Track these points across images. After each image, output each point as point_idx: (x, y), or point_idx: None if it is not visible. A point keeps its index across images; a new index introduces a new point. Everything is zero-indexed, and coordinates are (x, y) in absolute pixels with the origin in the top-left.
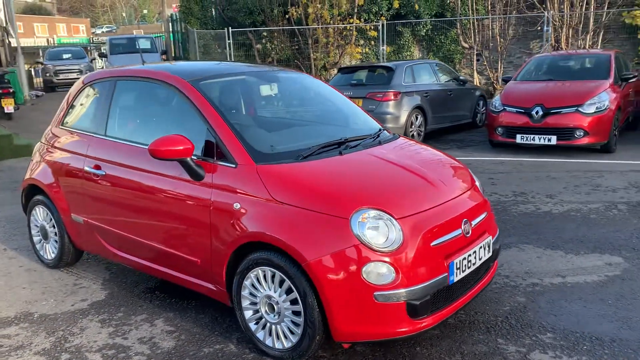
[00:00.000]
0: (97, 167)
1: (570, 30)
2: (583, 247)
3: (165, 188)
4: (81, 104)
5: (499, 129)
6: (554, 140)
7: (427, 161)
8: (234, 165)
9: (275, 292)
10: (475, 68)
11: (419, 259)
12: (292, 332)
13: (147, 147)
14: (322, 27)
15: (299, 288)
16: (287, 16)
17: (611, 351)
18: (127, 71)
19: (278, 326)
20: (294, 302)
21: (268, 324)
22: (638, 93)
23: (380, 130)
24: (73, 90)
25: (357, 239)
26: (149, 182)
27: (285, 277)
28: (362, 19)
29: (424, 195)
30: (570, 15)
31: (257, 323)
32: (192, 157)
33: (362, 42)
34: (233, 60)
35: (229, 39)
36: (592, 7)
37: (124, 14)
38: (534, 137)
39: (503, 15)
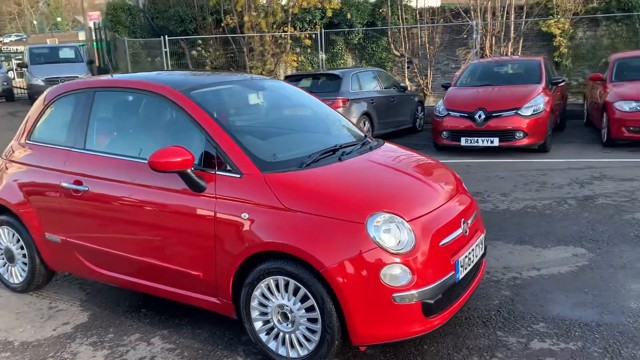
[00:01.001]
0: (78, 183)
1: (493, 38)
2: (548, 240)
3: (161, 201)
4: (51, 117)
5: (444, 132)
6: (496, 141)
7: (419, 164)
8: (238, 175)
9: (289, 300)
10: (406, 75)
11: (431, 259)
12: (307, 340)
13: (138, 160)
14: (257, 36)
15: (316, 294)
16: (222, 24)
17: (601, 335)
18: (108, 82)
19: (292, 335)
20: (309, 309)
21: (281, 334)
22: (564, 96)
23: (365, 136)
24: (40, 102)
25: (373, 242)
26: (142, 196)
27: (300, 285)
28: (296, 28)
29: (427, 197)
30: (492, 24)
31: (267, 333)
32: (192, 168)
33: (298, 50)
34: (170, 69)
35: (165, 47)
36: (512, 16)
37: (34, 22)
38: (477, 140)
39: (430, 24)
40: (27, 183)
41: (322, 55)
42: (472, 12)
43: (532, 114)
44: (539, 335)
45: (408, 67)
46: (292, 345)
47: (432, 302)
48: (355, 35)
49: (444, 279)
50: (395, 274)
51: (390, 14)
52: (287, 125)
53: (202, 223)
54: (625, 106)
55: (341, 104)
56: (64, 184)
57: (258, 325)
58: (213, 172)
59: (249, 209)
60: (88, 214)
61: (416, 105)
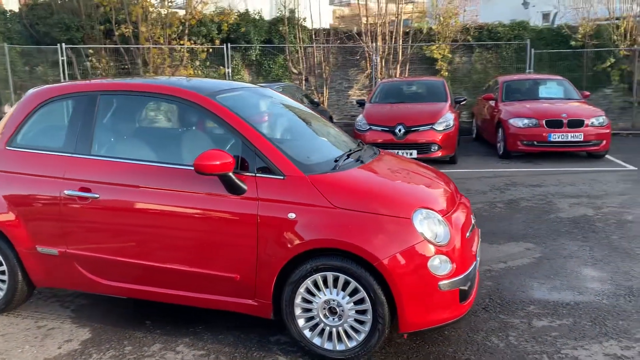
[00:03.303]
0: (85, 190)
1: (383, 60)
2: (499, 238)
3: (193, 206)
4: (41, 122)
5: None
6: (415, 154)
7: (423, 168)
8: (282, 177)
9: (337, 295)
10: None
11: (462, 250)
12: (356, 331)
13: (164, 165)
14: (154, 47)
15: (367, 287)
16: (117, 34)
17: (583, 312)
18: (114, 85)
19: (339, 328)
20: (358, 302)
21: (327, 328)
22: (458, 114)
23: (361, 142)
24: (26, 105)
25: (420, 236)
26: (170, 201)
27: (350, 279)
28: (192, 41)
29: (447, 196)
30: (382, 47)
31: (311, 330)
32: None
33: (197, 63)
34: (67, 78)
35: (62, 56)
36: (400, 41)
37: None
38: (398, 152)
39: (325, 45)
40: (12, 193)
41: (228, 70)
42: (364, 36)
43: (444, 129)
44: (535, 316)
45: (305, 85)
46: (340, 339)
47: (466, 288)
48: (253, 52)
49: (471, 267)
50: (440, 264)
51: (287, 32)
52: (295, 131)
53: (242, 225)
54: (520, 122)
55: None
56: (67, 192)
57: (301, 322)
58: (252, 174)
59: (295, 210)
60: (99, 223)
61: (328, 119)
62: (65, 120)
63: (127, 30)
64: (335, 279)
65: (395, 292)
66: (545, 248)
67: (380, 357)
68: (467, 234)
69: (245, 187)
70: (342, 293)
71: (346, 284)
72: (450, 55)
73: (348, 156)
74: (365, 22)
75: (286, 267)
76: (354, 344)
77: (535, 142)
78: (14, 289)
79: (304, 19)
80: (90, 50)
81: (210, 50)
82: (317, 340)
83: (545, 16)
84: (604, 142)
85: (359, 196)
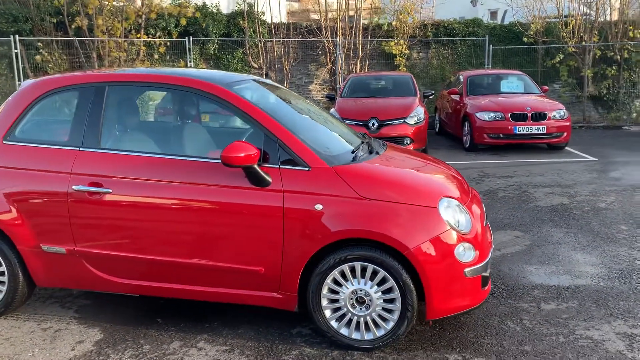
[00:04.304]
0: (97, 185)
1: (343, 55)
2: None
3: (216, 199)
4: (42, 114)
5: None
6: None
7: (432, 160)
8: (307, 169)
9: (365, 284)
10: None
11: (483, 238)
12: (384, 320)
13: (184, 158)
14: (111, 40)
15: (396, 276)
16: (72, 26)
17: (585, 294)
18: (123, 76)
19: (367, 317)
20: (386, 291)
21: (355, 318)
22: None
23: (365, 134)
24: (24, 97)
25: (447, 224)
26: (191, 195)
27: (379, 268)
28: (149, 35)
29: (462, 186)
30: (342, 42)
31: (337, 320)
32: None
33: (156, 57)
34: (20, 72)
35: (15, 49)
36: (360, 37)
37: None
38: None
39: (285, 39)
40: (13, 189)
41: (191, 64)
42: (323, 30)
43: (416, 123)
44: (542, 300)
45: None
46: (368, 328)
47: (487, 274)
48: (212, 46)
49: (490, 254)
50: (464, 251)
51: (247, 26)
52: (307, 122)
53: (268, 217)
54: (486, 116)
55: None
56: (76, 187)
57: (328, 313)
58: (276, 166)
59: (322, 201)
60: (111, 219)
61: None
62: (69, 112)
63: (82, 22)
64: (364, 269)
65: (424, 280)
66: (533, 236)
67: (405, 344)
68: (485, 222)
69: (270, 179)
70: (370, 283)
71: (374, 273)
72: (407, 51)
73: (359, 147)
74: (324, 17)
75: (312, 259)
76: (382, 332)
77: (501, 135)
78: (14, 290)
79: (263, 13)
80: (40, 44)
81: (169, 43)
82: (344, 331)
83: (493, 14)
84: (565, 134)
85: (384, 186)
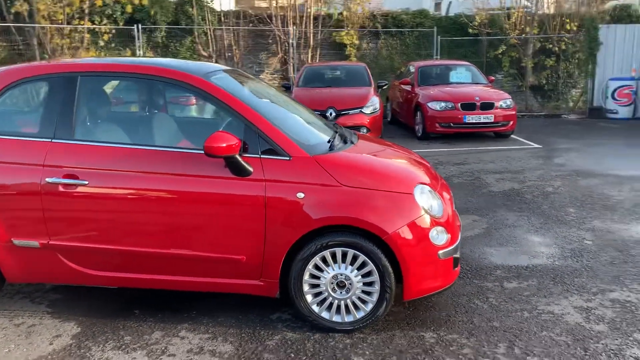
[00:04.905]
0: (72, 177)
1: (294, 44)
2: None
3: (195, 189)
4: (9, 105)
5: None
6: None
7: (401, 149)
8: (288, 158)
9: (345, 269)
10: None
11: (453, 221)
12: (364, 302)
13: (162, 148)
14: (54, 27)
15: (375, 260)
16: (12, 11)
17: (543, 272)
18: (97, 66)
19: (347, 300)
20: (365, 275)
21: (335, 302)
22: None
23: (336, 124)
24: None
25: (422, 209)
26: (170, 185)
27: (359, 253)
28: (93, 22)
29: (431, 172)
30: (293, 32)
31: (319, 305)
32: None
33: (101, 44)
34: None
35: None
36: (311, 26)
37: None
38: None
39: (235, 27)
40: None
41: (140, 52)
42: (274, 19)
43: (372, 112)
44: (504, 279)
45: None
46: (348, 311)
47: (458, 256)
48: (159, 34)
49: (459, 237)
50: (437, 234)
51: (196, 14)
52: (282, 113)
53: (250, 207)
54: (437, 106)
55: (194, 101)
56: (49, 180)
57: (309, 298)
58: (257, 156)
59: (304, 189)
60: (88, 211)
61: None
62: (39, 103)
63: (22, 7)
64: (344, 254)
65: (402, 263)
66: (490, 219)
67: (383, 324)
68: (453, 207)
69: (251, 169)
70: (350, 267)
71: (354, 258)
72: (357, 42)
73: (333, 137)
74: (275, 5)
75: (294, 246)
76: (362, 314)
77: (452, 124)
78: None
79: (212, 1)
80: None
81: (114, 31)
82: (325, 314)
83: (438, 5)
84: (511, 122)
85: (363, 174)
